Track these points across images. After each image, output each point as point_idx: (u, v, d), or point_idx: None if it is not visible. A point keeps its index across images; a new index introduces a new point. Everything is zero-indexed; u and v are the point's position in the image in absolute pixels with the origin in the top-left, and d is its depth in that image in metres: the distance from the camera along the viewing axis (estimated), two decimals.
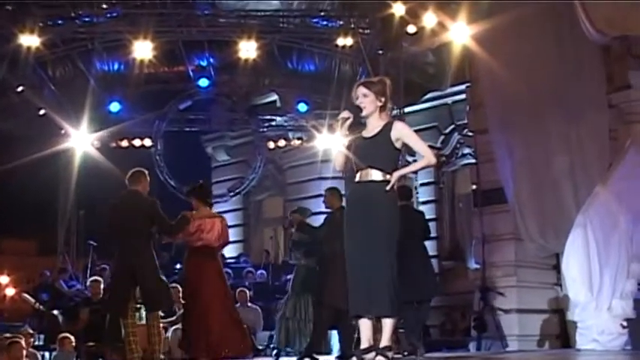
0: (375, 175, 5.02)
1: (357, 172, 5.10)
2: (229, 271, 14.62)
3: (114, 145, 15.17)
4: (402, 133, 5.08)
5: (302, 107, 15.40)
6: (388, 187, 5.00)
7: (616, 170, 8.51)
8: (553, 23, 9.78)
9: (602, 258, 8.12)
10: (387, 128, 5.09)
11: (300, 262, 8.81)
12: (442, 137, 15.82)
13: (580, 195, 9.40)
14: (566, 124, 9.83)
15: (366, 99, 5.12)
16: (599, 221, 8.19)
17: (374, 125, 5.12)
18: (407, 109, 13.76)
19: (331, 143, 15.17)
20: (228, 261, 16.74)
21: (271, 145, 16.22)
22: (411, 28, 12.29)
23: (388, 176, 5.00)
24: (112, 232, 7.36)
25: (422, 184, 15.96)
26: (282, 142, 16.17)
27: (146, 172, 7.65)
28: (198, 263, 7.81)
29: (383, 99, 5.13)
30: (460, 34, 11.26)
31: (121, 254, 7.25)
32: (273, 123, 16.48)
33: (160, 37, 13.16)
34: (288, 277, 13.89)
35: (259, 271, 14.59)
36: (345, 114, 5.08)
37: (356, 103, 5.14)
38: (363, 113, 5.11)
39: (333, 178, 16.67)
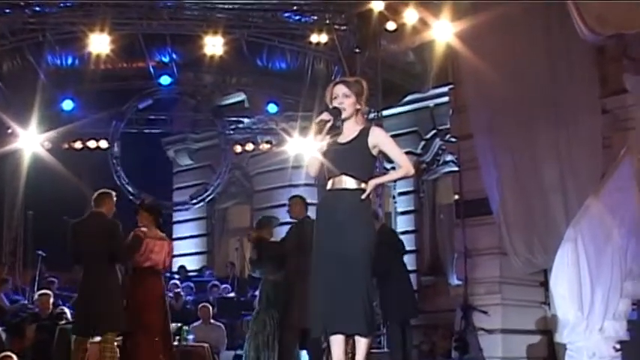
0: (349, 182, 4.97)
1: (330, 179, 5.04)
2: (191, 284, 14.52)
3: (66, 146, 14.97)
4: (379, 139, 5.04)
5: (272, 108, 15.34)
6: (364, 196, 4.93)
7: (609, 180, 8.49)
8: (543, 21, 9.79)
9: (593, 275, 8.09)
10: (363, 134, 5.04)
11: (266, 276, 8.76)
12: (423, 143, 15.81)
13: (570, 206, 9.39)
14: (556, 130, 9.83)
15: (347, 99, 5.05)
16: (590, 235, 8.16)
17: (350, 130, 5.06)
18: (385, 113, 13.73)
19: (303, 148, 15.12)
20: (191, 274, 16.64)
21: (238, 148, 16.13)
22: (391, 25, 12.27)
23: (363, 185, 4.95)
24: (74, 255, 7.90)
25: (400, 193, 15.94)
26: (249, 146, 16.09)
27: (113, 193, 8.12)
28: (144, 284, 8.15)
29: (362, 102, 5.09)
30: (443, 32, 11.24)
31: (83, 277, 7.81)
32: (241, 125, 16.39)
33: (118, 30, 13.01)
34: (256, 292, 13.88)
35: (224, 285, 14.49)
36: (324, 116, 4.99)
37: (333, 104, 5.06)
38: (343, 115, 5.03)
39: (306, 185, 16.68)
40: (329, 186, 5.05)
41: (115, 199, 8.13)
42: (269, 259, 8.58)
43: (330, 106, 5.05)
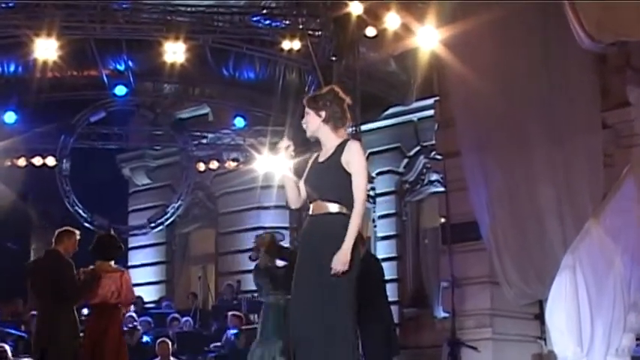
0: (329, 207, 4.99)
1: (310, 203, 5.09)
2: (149, 319, 14.36)
3: (9, 163, 14.82)
4: (349, 156, 5.00)
5: (239, 122, 15.28)
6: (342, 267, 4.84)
7: (611, 202, 8.51)
8: (538, 27, 9.83)
9: (593, 306, 8.08)
10: (339, 150, 5.04)
11: (268, 298, 8.65)
12: (406, 160, 15.81)
13: (568, 231, 9.40)
14: (553, 147, 9.85)
15: (307, 117, 5.15)
16: (590, 262, 8.16)
17: (328, 146, 5.11)
18: (364, 127, 13.71)
19: (273, 166, 15.06)
20: (148, 306, 16.49)
21: (201, 166, 16.04)
22: (371, 31, 12.27)
23: (345, 209, 4.95)
24: (31, 293, 8.63)
25: (381, 217, 15.92)
26: (214, 164, 16.01)
27: (75, 232, 8.51)
28: (97, 321, 8.35)
29: (323, 113, 5.08)
30: (428, 38, 11.25)
31: (37, 316, 8.44)
32: (204, 141, 16.30)
33: (67, 34, 12.87)
34: (219, 325, 13.76)
35: (185, 318, 14.36)
36: (282, 143, 5.07)
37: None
38: (307, 134, 5.15)
39: (276, 207, 16.67)
40: (310, 211, 5.09)
41: (76, 237, 8.48)
42: (286, 273, 8.34)
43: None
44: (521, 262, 10.08)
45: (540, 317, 10.19)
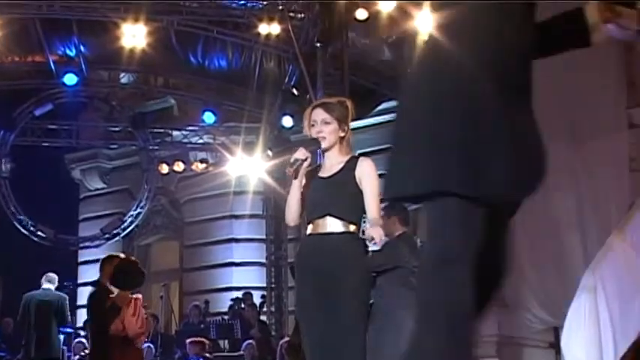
0: (335, 225, 5.10)
1: (310, 222, 5.18)
2: None
3: None
4: (364, 172, 5.14)
5: (208, 118, 15.24)
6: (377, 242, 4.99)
7: (638, 214, 8.50)
8: (555, 10, 9.82)
9: (617, 333, 8.06)
10: (349, 166, 5.18)
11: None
12: None
13: (589, 246, 9.39)
14: (572, 149, 9.86)
15: (327, 127, 5.19)
16: (614, 283, 8.13)
17: (333, 161, 5.23)
18: (354, 125, 13.61)
19: (248, 168, 15.03)
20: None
21: (164, 169, 16.01)
22: (361, 14, 12.26)
23: (352, 227, 5.09)
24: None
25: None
26: (179, 166, 15.97)
27: (116, 256, 9.20)
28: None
29: (346, 128, 5.23)
30: (427, 22, 11.22)
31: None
32: (168, 139, 16.30)
33: (7, 13, 12.86)
34: (184, 353, 13.68)
35: (145, 345, 14.27)
36: (299, 154, 5.12)
37: (311, 133, 5.20)
38: (323, 146, 5.19)
39: (251, 217, 16.63)
40: (309, 230, 5.17)
41: (118, 259, 9.05)
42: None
43: (309, 135, 5.20)
44: (535, 282, 10.06)
45: (556, 346, 10.18)
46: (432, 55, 3.15)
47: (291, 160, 5.13)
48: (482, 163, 2.94)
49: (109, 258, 9.14)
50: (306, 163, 5.13)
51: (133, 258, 9.45)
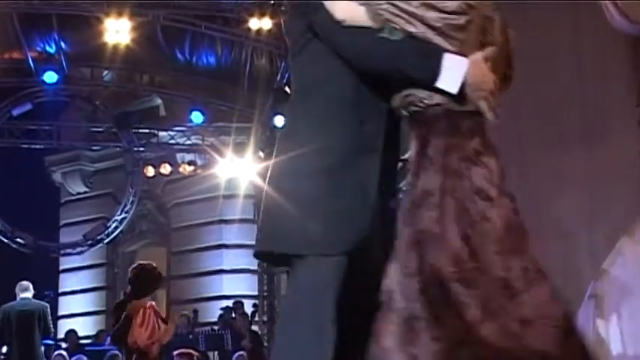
0: None
1: None
2: (84, 357, 14.26)
3: None
4: None
5: (196, 117, 15.21)
6: None
7: None
8: (570, 9, 9.82)
9: (627, 345, 8.02)
10: None
11: None
12: (399, 165, 15.78)
13: (598, 251, 9.36)
14: (580, 150, 9.83)
15: None
16: (623, 290, 8.12)
17: None
18: None
19: (238, 170, 15.00)
20: (84, 342, 16.37)
21: (150, 171, 16.00)
22: None
23: None
24: None
25: None
26: (166, 168, 15.95)
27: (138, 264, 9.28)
28: None
29: None
30: None
31: None
32: (154, 140, 16.25)
33: None
34: None
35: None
36: None
37: None
38: None
39: (241, 221, 16.60)
40: None
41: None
42: None
43: None
44: None
45: None
46: (289, 112, 3.55)
47: None
48: (340, 223, 3.27)
49: (133, 266, 9.33)
50: None
51: (148, 263, 9.47)
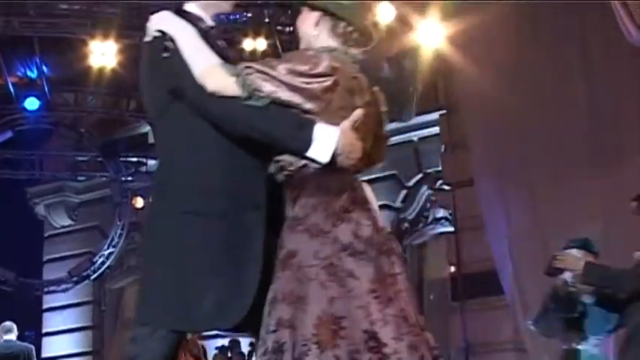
0: None
1: None
2: None
3: None
4: None
5: None
6: None
7: None
8: (575, 20, 9.87)
9: None
10: None
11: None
12: (404, 192, 15.81)
13: None
14: (594, 172, 9.85)
15: None
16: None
17: None
18: None
19: None
20: None
21: (139, 202, 16.00)
22: None
23: None
24: None
25: None
26: None
27: None
28: None
29: None
30: (431, 35, 11.27)
31: None
32: (143, 169, 16.26)
33: None
34: None
35: None
36: None
37: None
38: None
39: None
40: None
41: None
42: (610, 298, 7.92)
43: None
44: None
45: None
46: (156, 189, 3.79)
47: None
48: (191, 300, 3.55)
49: None
50: None
51: None
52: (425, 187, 15.57)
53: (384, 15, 11.84)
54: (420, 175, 15.62)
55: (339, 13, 3.82)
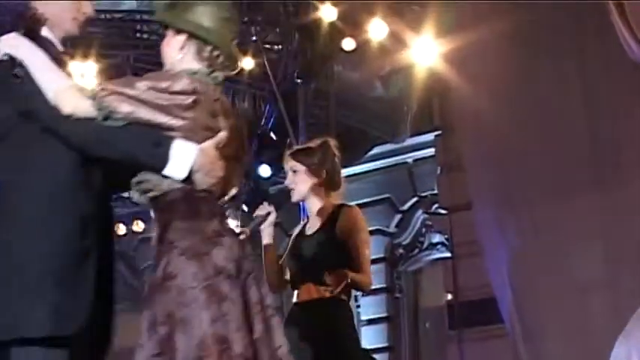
0: (318, 292, 5.27)
1: (295, 288, 5.36)
2: None
3: None
4: (349, 224, 5.33)
5: None
6: (336, 290, 5.15)
7: None
8: (574, 35, 9.87)
9: None
10: (332, 218, 5.36)
11: None
12: (398, 216, 15.81)
13: (622, 306, 9.32)
14: (600, 195, 9.83)
15: (295, 176, 5.42)
16: None
17: (314, 216, 5.42)
18: (343, 172, 13.65)
19: None
20: None
21: (121, 229, 15.94)
22: (349, 44, 12.27)
23: (338, 293, 5.22)
24: None
25: (365, 293, 15.83)
26: (138, 225, 15.93)
27: None
28: None
29: (324, 172, 5.42)
30: (426, 52, 11.27)
31: None
32: (125, 194, 16.16)
33: None
34: None
35: None
36: (261, 210, 5.26)
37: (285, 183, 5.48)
38: (294, 198, 5.41)
39: None
40: (294, 298, 5.33)
41: None
42: None
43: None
44: (558, 353, 10.01)
45: None
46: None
47: (255, 215, 5.34)
48: (62, 304, 3.58)
49: None
50: (270, 219, 5.19)
51: None
52: (420, 211, 15.59)
53: (376, 32, 11.85)
54: (415, 199, 15.64)
55: (205, 37, 3.93)
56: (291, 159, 5.42)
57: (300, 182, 5.35)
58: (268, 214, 5.27)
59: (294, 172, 5.38)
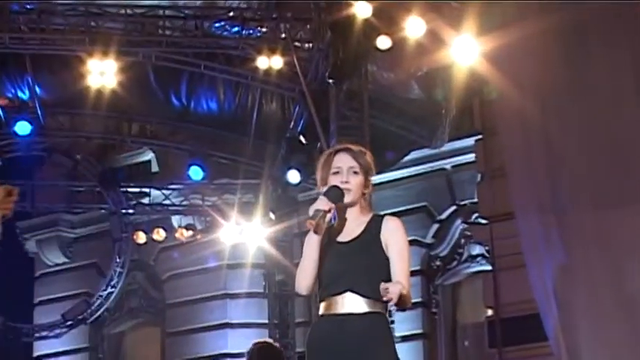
0: (357, 304, 5.11)
1: (324, 299, 5.18)
2: None
3: None
4: (392, 234, 5.21)
5: (195, 173, 15.21)
6: (393, 301, 5.00)
7: None
8: (632, 35, 9.85)
9: None
10: (373, 227, 5.22)
11: None
12: (436, 226, 15.78)
13: None
14: (613, 216, 9.84)
15: (354, 178, 5.25)
16: None
17: (352, 222, 5.27)
18: (376, 179, 13.63)
19: (245, 235, 14.98)
20: None
21: (141, 237, 16.01)
22: (384, 42, 12.26)
23: (378, 305, 5.10)
24: None
25: (401, 308, 15.81)
26: (159, 234, 15.97)
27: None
28: None
29: (370, 183, 5.34)
30: (466, 51, 11.26)
31: None
32: (146, 200, 16.31)
33: None
34: None
35: None
36: (321, 204, 5.08)
37: (331, 182, 5.25)
38: (347, 199, 5.22)
39: (248, 296, 16.56)
40: (323, 309, 5.18)
41: None
42: None
43: (327, 186, 5.23)
44: None
45: None
46: None
47: (311, 213, 5.10)
48: None
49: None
50: (329, 216, 5.13)
51: (268, 341, 9.07)
52: (459, 221, 15.56)
53: (413, 29, 11.84)
54: (454, 208, 15.61)
55: None
56: (353, 159, 5.36)
57: (358, 185, 5.23)
58: (330, 210, 5.19)
59: (355, 172, 5.25)
